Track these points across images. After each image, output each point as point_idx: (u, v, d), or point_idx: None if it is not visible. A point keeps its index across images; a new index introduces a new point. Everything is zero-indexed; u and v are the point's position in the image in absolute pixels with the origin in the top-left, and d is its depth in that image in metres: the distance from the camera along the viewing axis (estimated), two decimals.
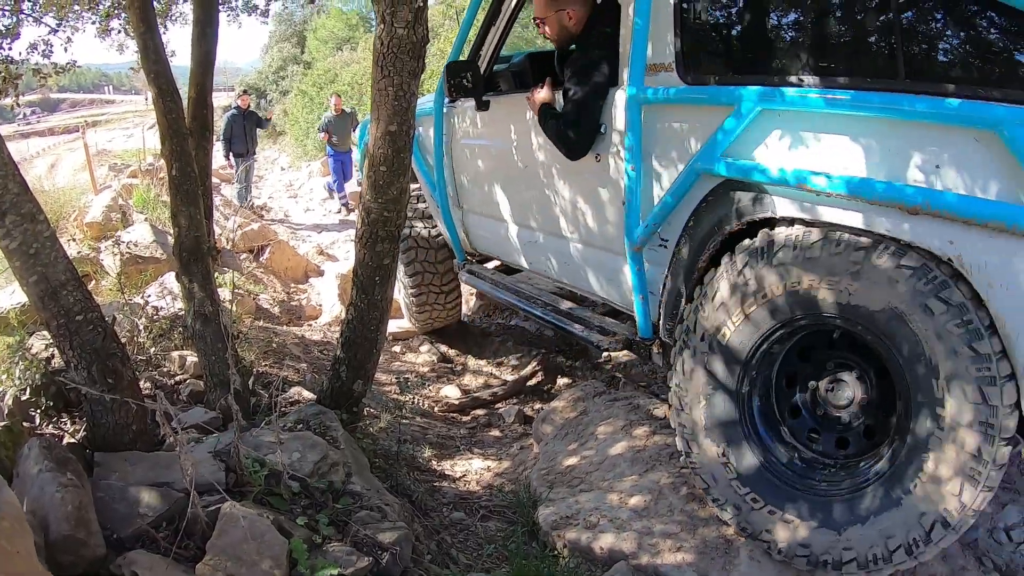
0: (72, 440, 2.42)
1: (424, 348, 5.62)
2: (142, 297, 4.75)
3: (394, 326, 6.06)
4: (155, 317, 3.94)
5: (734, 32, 2.56)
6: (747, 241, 2.34)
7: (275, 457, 2.21)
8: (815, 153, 2.13)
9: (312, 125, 17.17)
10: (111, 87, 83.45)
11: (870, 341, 2.13)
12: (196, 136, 3.34)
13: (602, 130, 2.85)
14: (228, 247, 7.25)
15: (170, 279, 5.17)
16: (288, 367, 4.34)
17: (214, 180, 13.12)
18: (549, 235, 3.51)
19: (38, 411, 2.62)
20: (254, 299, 5.88)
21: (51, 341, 2.49)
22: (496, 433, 4.21)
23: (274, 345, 4.45)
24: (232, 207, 10.28)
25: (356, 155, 7.62)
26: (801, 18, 2.33)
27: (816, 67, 2.22)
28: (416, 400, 4.55)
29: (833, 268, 2.10)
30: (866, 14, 2.14)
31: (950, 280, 1.92)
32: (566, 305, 3.64)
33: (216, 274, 5.90)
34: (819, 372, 2.42)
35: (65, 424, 2.60)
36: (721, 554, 2.53)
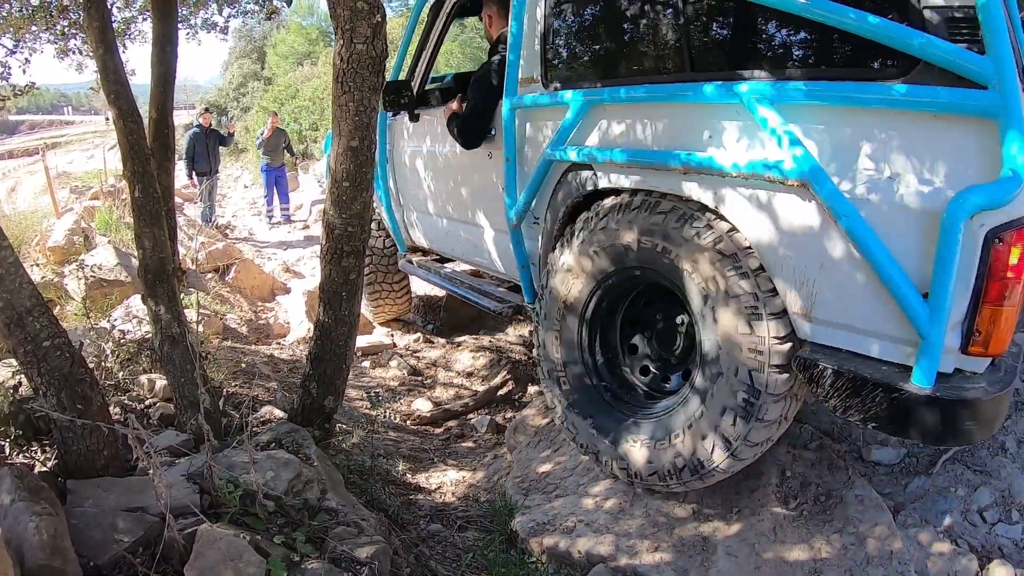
0: (44, 468, 2.38)
1: (393, 363, 5.62)
2: (108, 321, 4.70)
3: (363, 341, 6.07)
4: (122, 341, 3.89)
5: (576, 49, 3.12)
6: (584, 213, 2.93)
7: (249, 477, 2.20)
8: (621, 135, 2.76)
9: None
10: (70, 107, 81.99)
11: (669, 286, 2.69)
12: (158, 156, 3.31)
13: (492, 132, 3.57)
14: (193, 267, 7.17)
15: (136, 302, 5.12)
16: (258, 386, 4.31)
17: (177, 200, 13.02)
18: (460, 222, 4.25)
19: (7, 440, 2.58)
20: (221, 319, 5.83)
21: (17, 369, 2.45)
22: (469, 444, 4.23)
23: (243, 365, 4.42)
24: (196, 226, 10.16)
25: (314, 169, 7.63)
26: (618, 34, 2.92)
27: (628, 70, 2.86)
28: (388, 414, 4.55)
29: (633, 225, 2.64)
30: (661, 26, 2.71)
31: (713, 223, 2.45)
32: (478, 283, 4.36)
33: (182, 295, 5.86)
34: (653, 320, 3.01)
35: (36, 452, 2.56)
36: (699, 551, 2.58)
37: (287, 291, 8.44)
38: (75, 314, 5.36)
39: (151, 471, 2.00)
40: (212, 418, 2.77)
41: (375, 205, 5.09)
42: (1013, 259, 1.94)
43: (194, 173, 10.95)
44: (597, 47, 3.02)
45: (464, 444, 4.23)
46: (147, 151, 2.83)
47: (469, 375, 5.35)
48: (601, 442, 2.89)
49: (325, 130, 15.35)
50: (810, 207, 2.17)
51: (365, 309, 6.38)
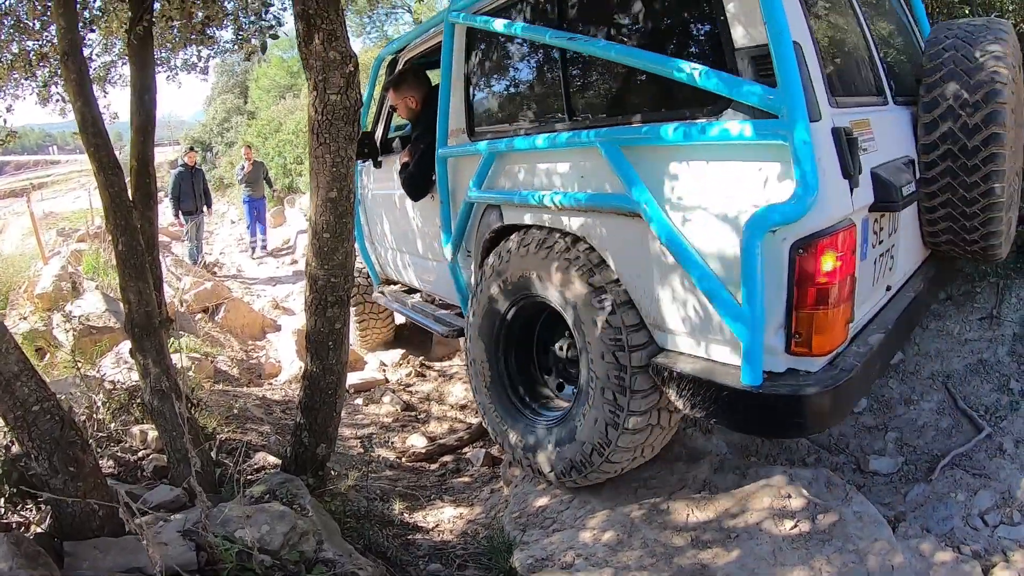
0: (39, 529, 2.37)
1: (386, 398, 5.61)
2: (97, 369, 4.68)
3: (355, 378, 6.07)
4: (113, 391, 3.87)
5: (489, 104, 3.51)
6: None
7: (244, 533, 2.20)
8: (518, 179, 3.19)
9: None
10: (56, 147, 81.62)
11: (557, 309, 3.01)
12: (140, 207, 3.31)
13: (434, 178, 3.89)
14: (182, 309, 7.15)
15: (125, 348, 5.09)
16: (251, 431, 4.29)
17: (164, 239, 13.00)
18: (414, 255, 4.76)
19: (1, 499, 2.56)
20: (212, 362, 5.81)
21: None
22: (465, 479, 4.21)
23: (235, 410, 4.40)
24: (184, 266, 10.13)
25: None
26: (517, 89, 3.35)
27: (526, 121, 3.21)
28: (383, 452, 4.53)
29: (525, 257, 3.05)
30: (547, 82, 3.11)
31: (582, 251, 2.83)
32: (431, 309, 4.79)
33: (172, 340, 5.83)
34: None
35: (31, 511, 2.54)
36: None
37: (277, 328, 8.42)
38: (64, 364, 5.32)
39: (143, 539, 2.00)
40: (204, 474, 2.76)
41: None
42: (825, 266, 2.18)
43: (180, 212, 10.93)
44: (503, 101, 3.45)
45: (460, 479, 4.22)
46: (129, 203, 2.83)
47: (463, 408, 5.34)
48: (517, 447, 3.33)
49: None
50: (647, 233, 2.50)
51: (353, 338, 6.68)
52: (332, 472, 2.69)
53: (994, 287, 4.08)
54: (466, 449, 4.60)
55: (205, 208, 11.29)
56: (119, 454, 3.40)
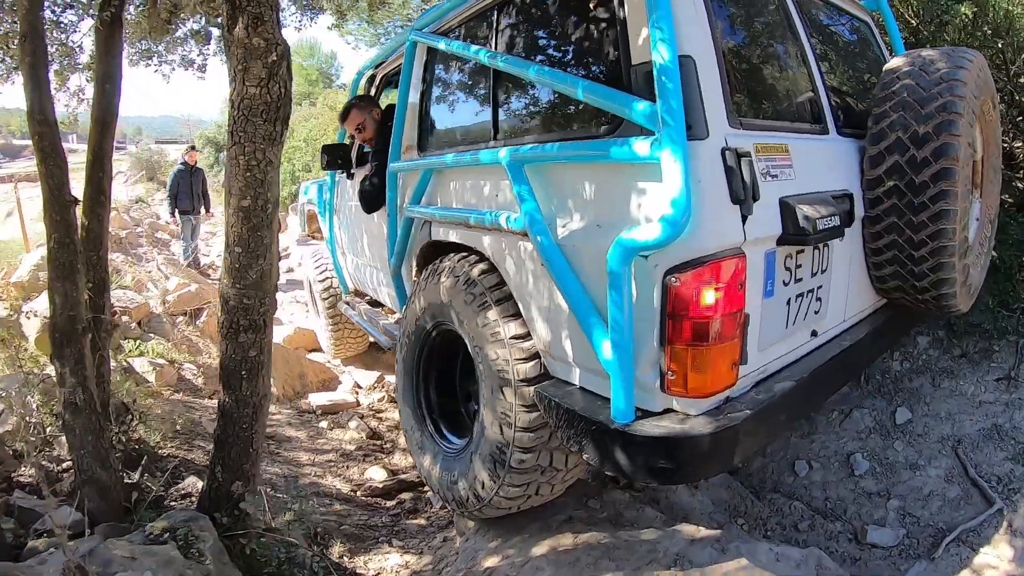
0: None
1: (353, 423, 5.34)
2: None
3: (324, 399, 5.81)
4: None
5: (435, 121, 3.44)
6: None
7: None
8: (445, 194, 3.16)
9: None
10: (75, 135, 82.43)
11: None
12: (90, 202, 3.09)
13: None
14: (159, 311, 6.90)
15: None
16: (198, 448, 4.02)
17: (164, 236, 12.82)
18: (369, 266, 4.77)
19: None
20: (178, 369, 5.54)
21: None
22: (421, 521, 3.91)
23: (182, 423, 4.12)
24: (175, 266, 9.92)
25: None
26: (455, 107, 3.32)
27: (462, 139, 3.16)
28: (337, 484, 4.24)
29: (435, 289, 3.00)
30: (478, 99, 3.04)
31: (476, 267, 2.77)
32: (380, 319, 4.91)
33: (138, 341, 5.58)
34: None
35: None
36: None
37: None
38: (29, 358, 5.07)
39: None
40: (112, 497, 2.50)
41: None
42: (704, 298, 1.98)
43: (176, 211, 10.76)
44: (449, 119, 3.39)
45: (415, 521, 3.91)
46: (69, 199, 2.60)
47: None
48: (429, 473, 3.24)
49: (317, 171, 15.33)
50: (534, 254, 2.41)
51: (327, 347, 6.87)
52: (248, 512, 2.39)
53: (1013, 346, 3.79)
54: (427, 488, 4.30)
55: (203, 208, 11.09)
56: (43, 463, 3.13)
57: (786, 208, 2.24)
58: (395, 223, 3.70)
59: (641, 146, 1.97)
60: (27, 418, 3.40)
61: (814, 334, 2.66)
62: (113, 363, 4.83)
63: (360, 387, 6.36)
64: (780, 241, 2.26)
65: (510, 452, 2.60)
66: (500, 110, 2.82)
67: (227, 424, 2.44)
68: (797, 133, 2.51)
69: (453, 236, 3.03)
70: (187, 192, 10.67)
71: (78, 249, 2.62)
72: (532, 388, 2.51)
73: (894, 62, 2.82)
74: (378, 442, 5.11)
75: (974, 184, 3.04)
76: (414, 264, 3.59)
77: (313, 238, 7.49)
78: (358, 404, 5.93)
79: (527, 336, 2.58)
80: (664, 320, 2.02)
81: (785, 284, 2.38)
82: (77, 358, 2.50)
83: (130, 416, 3.44)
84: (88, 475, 2.45)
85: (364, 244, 4.77)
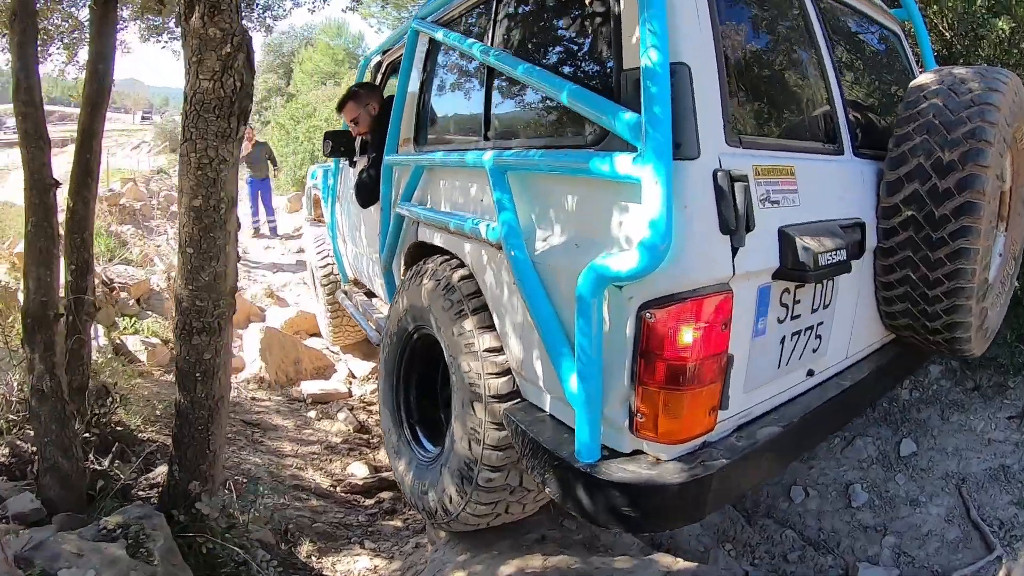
0: None
1: (342, 415, 5.30)
2: None
3: (316, 387, 5.78)
4: None
5: (433, 116, 3.29)
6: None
7: (64, 574, 1.90)
8: (433, 194, 3.04)
9: (287, 158, 16.93)
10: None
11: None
12: (76, 184, 3.06)
13: None
14: (161, 287, 6.91)
15: None
16: None
17: (175, 209, 12.87)
18: (367, 257, 4.61)
19: None
20: (171, 349, 5.53)
21: None
22: (397, 523, 3.87)
23: (164, 406, 4.09)
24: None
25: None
26: (452, 104, 3.21)
27: (456, 137, 3.05)
28: (316, 479, 4.22)
29: (417, 292, 2.90)
30: (473, 97, 2.89)
31: (457, 273, 2.65)
32: (373, 312, 4.77)
33: (133, 318, 5.57)
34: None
35: None
36: None
37: (263, 319, 8.15)
38: (17, 333, 5.08)
39: None
40: (73, 486, 2.47)
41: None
42: (682, 338, 1.81)
43: None
44: (445, 115, 3.27)
45: (391, 522, 3.87)
46: (48, 181, 2.57)
47: None
48: (402, 478, 3.15)
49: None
50: (508, 268, 2.24)
51: (326, 333, 6.80)
52: (204, 512, 2.35)
53: None
54: None
55: None
56: (17, 443, 3.11)
57: (785, 239, 2.03)
58: (388, 217, 3.59)
59: (622, 162, 1.79)
60: (8, 396, 3.38)
61: (810, 373, 2.46)
62: (105, 340, 4.84)
63: (354, 377, 6.32)
64: (776, 275, 2.06)
65: (477, 470, 2.50)
66: (492, 109, 2.67)
67: (183, 425, 2.40)
68: (807, 153, 2.30)
69: (437, 239, 2.91)
70: None
71: (56, 234, 2.60)
72: (503, 406, 2.39)
73: (922, 79, 2.59)
74: (365, 436, 5.07)
75: (1000, 217, 2.82)
76: (402, 262, 3.49)
77: (319, 221, 7.48)
78: (350, 395, 5.89)
79: (501, 351, 2.45)
80: (636, 357, 1.86)
81: (780, 321, 2.19)
82: (47, 344, 2.47)
83: (111, 399, 3.41)
84: (50, 463, 2.42)
85: (362, 234, 4.67)
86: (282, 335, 6.57)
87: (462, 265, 2.70)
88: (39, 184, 2.54)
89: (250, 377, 5.83)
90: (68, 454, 2.44)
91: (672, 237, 1.69)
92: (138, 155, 23.72)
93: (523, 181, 2.32)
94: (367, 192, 3.94)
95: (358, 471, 4.41)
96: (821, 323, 2.40)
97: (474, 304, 2.55)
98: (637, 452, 1.99)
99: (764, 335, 2.12)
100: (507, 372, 2.43)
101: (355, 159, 4.71)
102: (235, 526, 2.62)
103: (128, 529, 2.17)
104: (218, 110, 2.05)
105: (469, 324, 2.53)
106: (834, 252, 2.10)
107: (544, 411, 2.29)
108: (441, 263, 2.82)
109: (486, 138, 2.66)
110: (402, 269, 3.49)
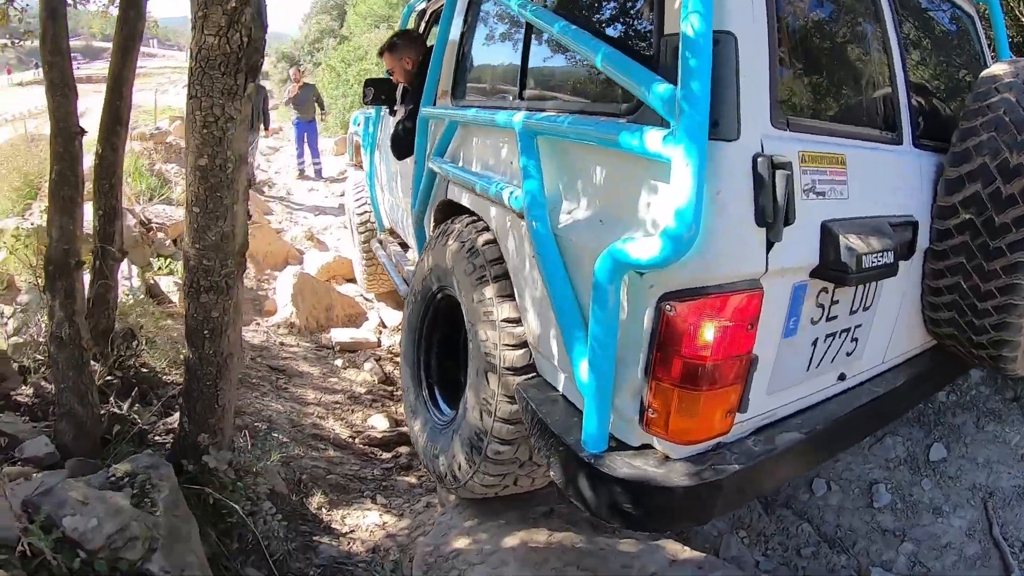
0: None
1: (368, 365, 5.36)
2: None
3: (346, 335, 5.84)
4: None
5: (471, 70, 3.21)
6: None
7: (71, 521, 1.96)
8: (465, 152, 2.98)
9: (336, 101, 16.91)
10: (157, 40, 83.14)
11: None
12: (106, 130, 3.08)
13: None
14: None
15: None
16: None
17: None
18: (402, 208, 4.55)
19: None
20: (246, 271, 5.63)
21: None
22: (412, 479, 3.92)
23: (181, 356, 4.17)
24: None
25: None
26: (491, 59, 3.12)
27: (491, 94, 2.99)
28: (336, 429, 4.28)
29: (442, 252, 2.86)
30: (511, 53, 2.78)
31: (482, 236, 2.59)
32: (408, 267, 4.64)
33: (167, 260, 5.67)
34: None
35: None
36: None
37: (301, 262, 8.24)
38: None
39: None
40: (88, 432, 2.54)
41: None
42: (702, 335, 1.69)
43: None
44: (484, 69, 3.18)
45: (406, 478, 3.93)
46: (74, 130, 2.59)
47: None
48: (417, 438, 3.18)
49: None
50: (528, 238, 2.17)
51: (360, 279, 6.87)
52: (211, 465, 2.40)
53: None
54: None
55: (262, 126, 11.19)
56: (42, 383, 3.21)
57: (828, 236, 1.88)
58: (421, 171, 3.51)
59: (652, 137, 1.65)
60: (36, 338, 3.48)
61: (842, 377, 2.33)
62: (139, 281, 4.94)
63: (385, 327, 6.36)
64: (815, 273, 1.92)
65: (487, 441, 2.47)
66: (528, 68, 2.55)
67: (191, 380, 2.43)
68: (861, 140, 2.11)
69: (465, 199, 2.85)
70: None
71: (80, 182, 2.62)
72: (517, 379, 2.34)
73: (995, 68, 2.37)
74: (389, 388, 5.12)
75: None
76: (431, 219, 3.45)
77: (360, 167, 7.49)
78: (378, 344, 5.94)
79: (519, 322, 2.38)
80: (652, 349, 1.76)
81: (813, 323, 2.05)
82: (67, 292, 2.52)
83: (136, 342, 3.49)
84: (66, 409, 2.49)
85: (398, 185, 4.64)
86: (315, 281, 6.63)
87: (487, 229, 2.63)
88: (64, 132, 2.56)
89: (281, 322, 5.92)
90: (84, 401, 2.50)
91: (700, 226, 1.56)
92: (181, 99, 24.00)
93: (552, 148, 2.22)
94: (402, 144, 3.91)
95: (378, 424, 4.46)
96: (859, 326, 2.27)
97: (496, 271, 2.49)
98: (646, 446, 1.92)
99: (795, 336, 2.00)
100: (524, 345, 2.37)
101: (395, 108, 4.59)
102: (245, 476, 2.68)
103: (135, 478, 2.22)
104: (224, 67, 2.00)
105: (489, 292, 2.47)
106: (881, 254, 1.94)
107: (557, 391, 2.23)
108: (467, 225, 2.76)
109: (520, 97, 2.57)
110: (431, 226, 3.46)
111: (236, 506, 2.49)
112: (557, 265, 2.05)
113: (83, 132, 2.66)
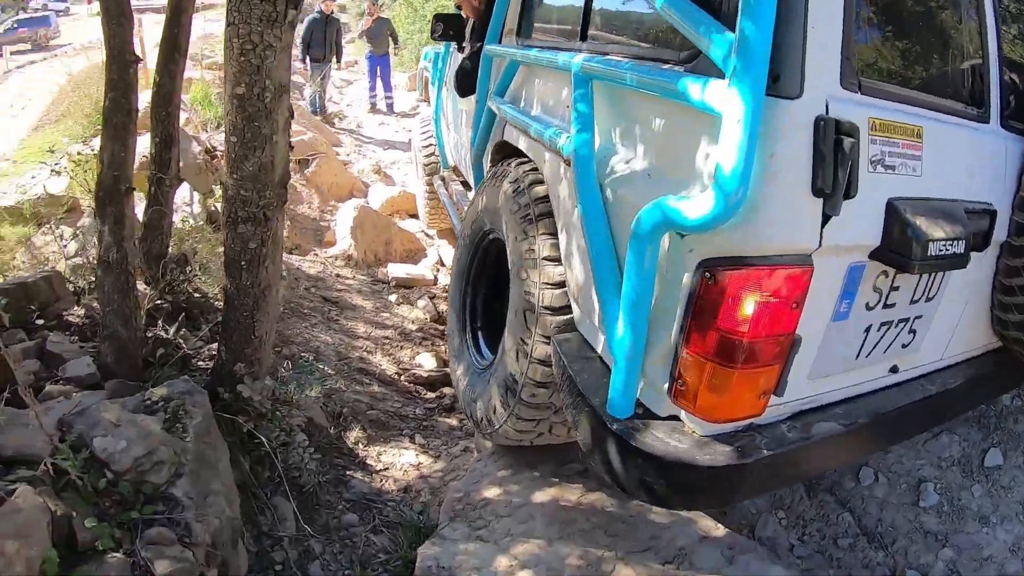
0: None
1: (421, 303, 5.37)
2: None
3: (402, 271, 5.86)
4: None
5: (543, 9, 3.07)
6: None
7: (101, 442, 2.02)
8: (523, 93, 2.94)
9: (412, 36, 16.76)
10: None
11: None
12: (164, 58, 3.09)
13: None
14: None
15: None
16: None
17: (299, 80, 13.12)
18: (464, 146, 4.42)
19: None
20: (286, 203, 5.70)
21: None
22: (452, 421, 3.94)
23: None
24: (300, 112, 10.07)
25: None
26: (547, 5, 3.06)
27: (550, 33, 2.90)
28: (383, 365, 4.33)
29: (494, 193, 2.81)
30: (569, 2, 2.76)
31: (532, 175, 2.56)
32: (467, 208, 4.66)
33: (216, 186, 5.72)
34: None
35: None
36: None
37: (365, 195, 8.29)
38: None
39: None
40: (130, 354, 2.61)
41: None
42: (742, 308, 1.56)
43: (308, 59, 10.95)
44: (546, 8, 3.07)
45: (447, 420, 3.95)
46: (129, 58, 2.58)
47: None
48: (458, 381, 3.16)
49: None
50: (574, 187, 2.09)
51: (422, 214, 6.88)
52: (245, 395, 2.44)
53: None
54: None
55: (334, 59, 11.24)
56: (93, 304, 3.29)
57: (894, 215, 1.69)
58: (482, 110, 3.45)
59: (705, 90, 1.51)
60: (89, 260, 3.58)
61: (894, 370, 2.15)
62: (199, 208, 5.04)
63: (443, 265, 6.35)
64: (875, 255, 1.74)
65: (522, 383, 2.42)
66: (592, 8, 2.41)
67: (229, 310, 2.47)
68: (942, 113, 1.88)
69: (521, 143, 2.77)
70: (320, 40, 10.75)
71: (133, 109, 2.63)
72: (554, 319, 2.28)
73: None
74: (441, 327, 5.12)
75: None
76: (489, 159, 3.37)
77: (429, 103, 7.43)
78: (435, 282, 5.95)
79: (558, 260, 2.31)
80: (687, 317, 1.65)
81: (868, 308, 1.88)
82: (117, 218, 2.56)
83: (189, 267, 3.56)
84: (110, 331, 2.56)
85: (462, 123, 4.54)
86: (376, 215, 6.66)
87: (537, 171, 2.57)
88: (119, 60, 2.55)
89: (339, 253, 5.98)
90: (127, 324, 2.56)
91: (748, 190, 1.43)
92: None
93: (607, 94, 2.10)
94: (466, 81, 3.81)
95: (426, 362, 4.50)
96: (919, 317, 2.07)
97: (540, 210, 2.45)
98: (673, 418, 1.83)
99: (846, 320, 1.84)
100: (562, 285, 2.31)
101: (463, 45, 4.53)
102: (281, 407, 2.72)
103: (170, 403, 2.28)
104: None
105: (532, 231, 2.43)
106: (951, 242, 1.74)
107: (595, 352, 2.12)
108: (520, 167, 2.70)
109: (582, 39, 2.44)
110: (487, 166, 3.41)
111: (266, 437, 2.55)
112: (599, 217, 1.97)
113: (138, 60, 2.66)
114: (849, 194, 1.54)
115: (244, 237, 2.31)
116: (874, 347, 1.99)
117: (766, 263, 1.55)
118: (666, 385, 1.77)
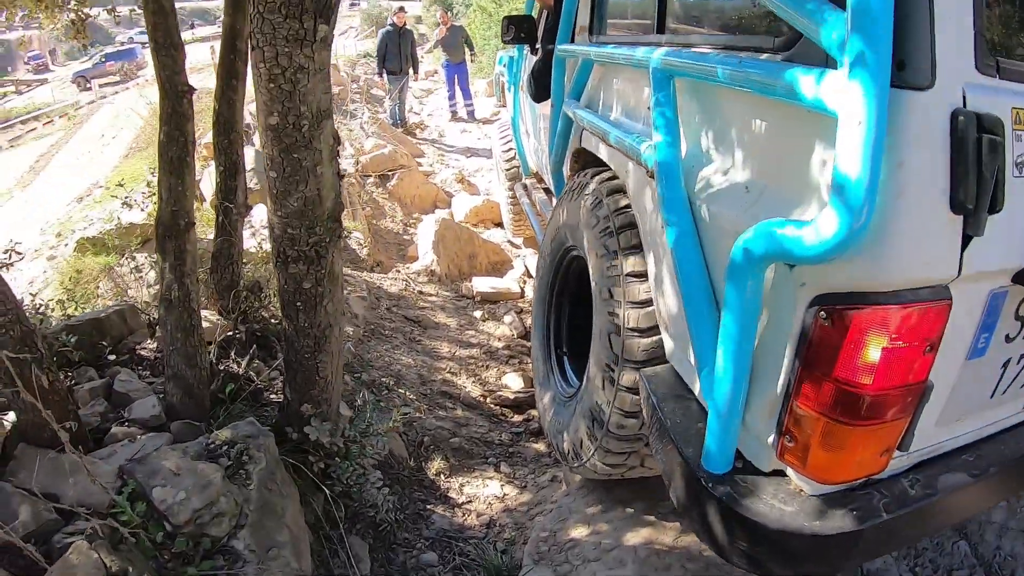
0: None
1: (508, 318, 5.19)
2: None
3: (487, 285, 5.70)
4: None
5: (607, 5, 2.83)
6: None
7: (159, 492, 1.91)
8: (599, 94, 2.70)
9: (489, 42, 16.74)
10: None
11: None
12: (222, 86, 3.01)
13: None
14: (350, 172, 7.08)
15: (259, 212, 4.98)
16: None
17: (379, 93, 13.23)
18: (543, 151, 4.25)
19: None
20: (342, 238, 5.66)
21: None
22: (540, 447, 3.71)
23: None
24: (380, 125, 10.12)
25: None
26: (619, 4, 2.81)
27: (624, 28, 2.71)
28: (467, 387, 4.16)
29: (576, 207, 2.56)
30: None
31: (611, 184, 2.33)
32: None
33: None
34: None
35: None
36: None
37: (449, 205, 8.19)
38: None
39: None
40: (196, 393, 2.52)
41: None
42: (866, 354, 1.27)
43: (384, 72, 11.05)
44: (620, 2, 2.83)
45: (534, 446, 3.72)
46: (181, 88, 2.50)
47: None
48: (545, 412, 2.91)
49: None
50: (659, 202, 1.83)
51: (507, 223, 6.76)
52: (312, 437, 2.29)
53: None
54: None
55: (411, 70, 11.28)
56: (148, 344, 3.25)
57: None
58: (558, 115, 3.17)
59: (811, 82, 1.22)
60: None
61: None
62: None
63: (530, 276, 6.13)
64: (1018, 278, 1.41)
65: (609, 413, 2.17)
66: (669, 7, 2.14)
67: (291, 350, 2.31)
68: None
69: (602, 152, 2.49)
70: (395, 53, 10.81)
71: (190, 141, 2.54)
72: (641, 343, 2.04)
73: None
74: (528, 344, 4.92)
75: None
76: (568, 167, 3.13)
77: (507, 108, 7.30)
78: (521, 295, 5.75)
79: (644, 276, 2.06)
80: (797, 363, 1.39)
81: (1008, 340, 1.54)
82: (177, 254, 2.47)
83: (263, 294, 3.48)
84: (174, 371, 2.47)
85: (541, 127, 4.33)
86: (458, 227, 6.52)
87: (619, 183, 2.31)
88: (171, 92, 2.47)
89: (421, 269, 5.88)
90: (192, 363, 2.47)
91: (873, 209, 1.14)
92: (344, 40, 24.88)
93: (693, 92, 1.83)
94: (538, 84, 3.60)
95: (512, 383, 4.30)
96: None
97: (621, 222, 2.20)
98: (778, 472, 1.57)
99: (983, 356, 1.51)
100: (649, 303, 2.05)
101: (538, 46, 4.27)
102: (354, 444, 2.57)
103: (233, 447, 2.16)
104: (285, 8, 1.74)
105: (613, 243, 2.19)
106: None
107: (691, 393, 1.85)
108: (598, 178, 2.45)
109: (660, 31, 2.17)
110: (567, 174, 3.17)
111: (338, 476, 2.41)
112: (690, 238, 1.69)
113: (192, 90, 2.57)
114: (995, 208, 1.23)
115: (297, 277, 2.14)
116: (1011, 383, 1.64)
117: (895, 300, 1.27)
118: (771, 439, 1.51)
